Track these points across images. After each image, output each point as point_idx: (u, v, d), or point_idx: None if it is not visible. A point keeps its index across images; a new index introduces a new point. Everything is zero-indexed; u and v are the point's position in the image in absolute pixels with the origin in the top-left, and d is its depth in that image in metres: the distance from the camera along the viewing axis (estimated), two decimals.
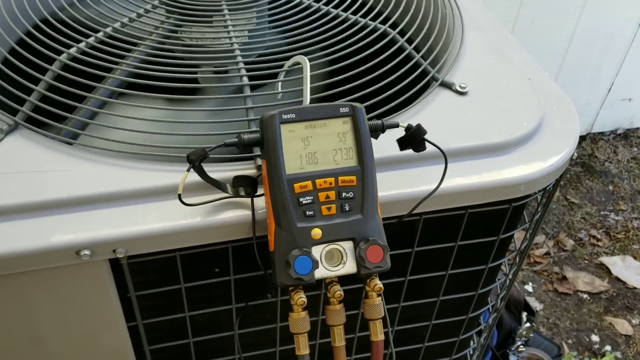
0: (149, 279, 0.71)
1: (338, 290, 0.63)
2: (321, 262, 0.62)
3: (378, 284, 0.63)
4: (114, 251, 0.63)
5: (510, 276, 0.98)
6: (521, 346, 1.45)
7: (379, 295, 0.65)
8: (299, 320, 0.63)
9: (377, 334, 0.65)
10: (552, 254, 2.02)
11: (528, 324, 1.43)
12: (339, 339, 0.65)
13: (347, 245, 0.63)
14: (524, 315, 1.46)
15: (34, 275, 0.64)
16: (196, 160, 0.61)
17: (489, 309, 1.01)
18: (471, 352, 1.11)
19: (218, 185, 0.65)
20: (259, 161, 0.68)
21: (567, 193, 2.28)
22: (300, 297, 0.62)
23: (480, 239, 0.80)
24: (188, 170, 0.61)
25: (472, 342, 1.11)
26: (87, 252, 0.62)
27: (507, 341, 1.45)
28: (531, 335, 1.46)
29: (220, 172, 0.67)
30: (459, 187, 0.71)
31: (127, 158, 0.69)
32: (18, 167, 0.67)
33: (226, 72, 0.83)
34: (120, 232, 0.63)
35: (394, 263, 0.66)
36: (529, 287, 1.91)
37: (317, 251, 0.62)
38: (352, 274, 0.63)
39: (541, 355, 1.55)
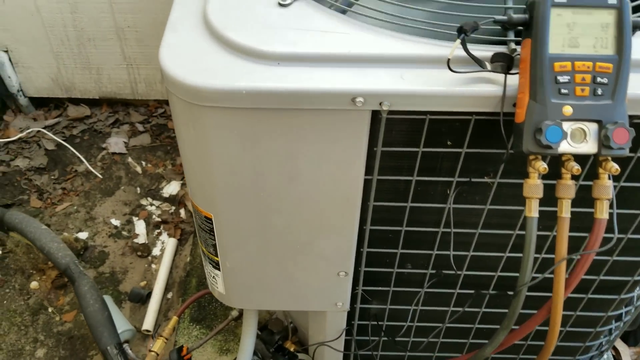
0: (393, 139, 0.82)
1: (575, 166, 0.70)
2: (566, 138, 0.69)
3: (614, 165, 0.69)
4: (380, 103, 0.75)
5: None
6: None
7: (610, 178, 0.71)
8: (535, 186, 0.71)
9: (603, 212, 0.71)
10: None
11: None
12: (566, 211, 0.72)
13: (592, 127, 0.69)
14: None
15: (311, 114, 0.77)
16: (468, 31, 0.70)
17: None
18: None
19: (477, 60, 0.73)
20: (512, 45, 0.75)
21: None
22: (541, 165, 0.70)
23: None
24: (460, 39, 0.70)
25: None
26: (361, 99, 0.74)
27: None
28: None
29: (475, 51, 0.75)
30: None
31: (392, 29, 0.79)
32: (305, 25, 0.80)
33: None
34: (390, 88, 0.74)
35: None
36: None
37: (564, 127, 0.69)
38: (592, 153, 0.69)
39: None
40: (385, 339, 1.18)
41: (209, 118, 0.79)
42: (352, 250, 0.98)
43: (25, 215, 1.70)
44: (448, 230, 0.94)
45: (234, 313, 1.47)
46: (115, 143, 2.32)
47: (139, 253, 1.92)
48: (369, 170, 0.86)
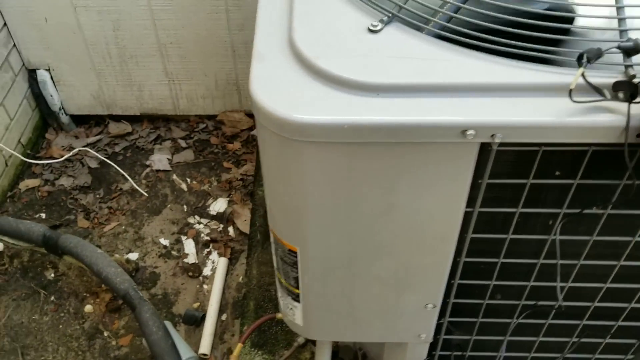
0: (498, 169, 0.77)
1: None
2: None
3: None
4: (492, 136, 0.70)
5: None
6: None
7: None
8: None
9: None
10: None
11: None
12: None
13: None
14: None
15: (413, 147, 0.73)
16: (592, 58, 0.65)
17: None
18: None
19: (597, 89, 0.68)
20: (632, 70, 0.70)
21: None
22: None
23: None
24: (584, 67, 0.65)
25: None
26: (472, 132, 0.70)
27: None
28: None
29: (590, 77, 0.70)
30: None
31: (490, 53, 0.74)
32: (400, 52, 0.76)
33: None
34: (504, 119, 0.69)
35: None
36: None
37: None
38: None
39: None
40: None
41: (306, 153, 0.75)
42: (443, 283, 0.94)
43: (80, 239, 1.68)
44: (548, 261, 0.89)
45: (300, 340, 1.43)
46: (159, 160, 2.30)
47: (190, 273, 1.89)
48: (470, 202, 0.81)
